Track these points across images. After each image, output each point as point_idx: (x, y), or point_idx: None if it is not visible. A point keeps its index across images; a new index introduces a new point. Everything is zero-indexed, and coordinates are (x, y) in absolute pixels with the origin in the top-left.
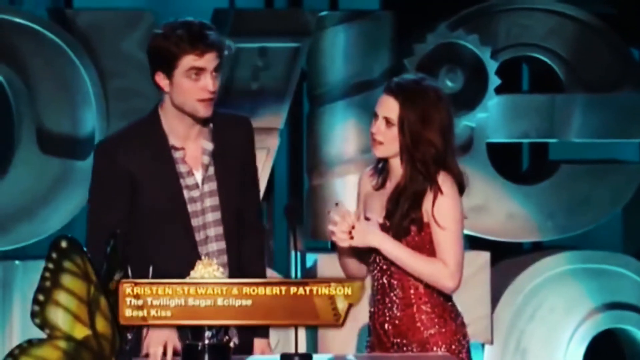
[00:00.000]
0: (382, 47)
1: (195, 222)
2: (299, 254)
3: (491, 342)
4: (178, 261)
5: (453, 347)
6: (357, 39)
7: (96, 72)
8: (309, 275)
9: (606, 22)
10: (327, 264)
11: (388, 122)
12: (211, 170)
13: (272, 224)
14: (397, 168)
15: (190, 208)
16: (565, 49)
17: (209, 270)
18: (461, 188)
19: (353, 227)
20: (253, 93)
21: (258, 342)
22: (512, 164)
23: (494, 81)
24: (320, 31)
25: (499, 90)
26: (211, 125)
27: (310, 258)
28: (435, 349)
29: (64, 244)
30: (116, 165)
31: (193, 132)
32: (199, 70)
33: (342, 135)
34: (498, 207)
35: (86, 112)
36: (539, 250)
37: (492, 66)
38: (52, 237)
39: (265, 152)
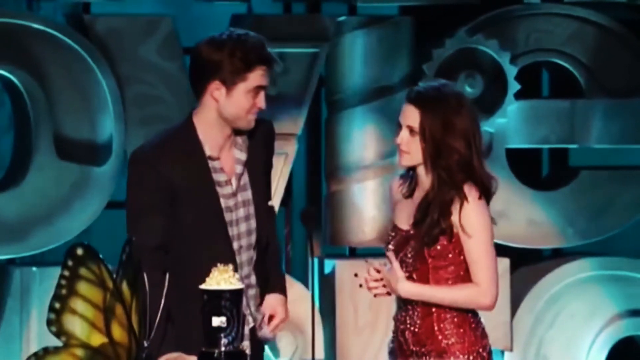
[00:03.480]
0: (400, 52)
1: (231, 231)
2: (316, 260)
3: (511, 349)
4: None
5: (471, 357)
6: (375, 44)
7: (114, 77)
8: (327, 281)
9: (627, 27)
10: (346, 270)
11: (411, 131)
12: (244, 179)
13: (290, 229)
14: (424, 177)
15: (227, 217)
16: (585, 55)
17: (224, 276)
18: (488, 195)
19: (382, 279)
20: (271, 98)
21: (271, 299)
22: (532, 169)
23: (514, 86)
24: (338, 36)
25: (518, 96)
26: (245, 135)
27: (329, 264)
28: (452, 359)
29: (79, 251)
30: (158, 174)
31: (228, 142)
32: (261, 88)
33: (360, 141)
34: (518, 213)
35: (104, 118)
36: (559, 256)
37: (511, 71)
38: (70, 243)
39: (284, 157)
